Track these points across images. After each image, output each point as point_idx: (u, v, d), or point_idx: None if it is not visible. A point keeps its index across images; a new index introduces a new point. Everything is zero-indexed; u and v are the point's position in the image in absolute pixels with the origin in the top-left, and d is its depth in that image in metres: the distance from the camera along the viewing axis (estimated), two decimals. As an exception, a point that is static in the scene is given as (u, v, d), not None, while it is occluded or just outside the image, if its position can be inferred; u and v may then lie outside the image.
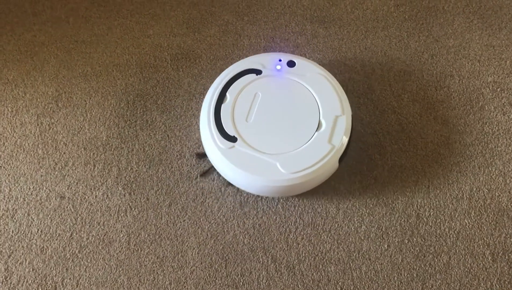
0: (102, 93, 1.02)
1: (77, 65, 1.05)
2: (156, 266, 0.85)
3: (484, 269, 0.85)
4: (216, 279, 0.85)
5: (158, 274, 0.85)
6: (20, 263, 0.86)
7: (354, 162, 0.94)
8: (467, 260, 0.85)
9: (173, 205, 0.90)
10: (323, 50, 1.07)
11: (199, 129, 0.91)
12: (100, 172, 0.93)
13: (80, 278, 0.85)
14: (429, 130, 0.97)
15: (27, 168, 0.94)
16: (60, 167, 0.94)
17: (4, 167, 0.94)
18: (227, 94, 0.89)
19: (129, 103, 1.01)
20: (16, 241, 0.88)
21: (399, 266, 0.85)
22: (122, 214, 0.90)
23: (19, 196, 0.91)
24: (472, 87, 1.02)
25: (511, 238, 0.87)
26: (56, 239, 0.88)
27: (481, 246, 0.87)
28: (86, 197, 0.91)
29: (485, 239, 0.87)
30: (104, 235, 0.88)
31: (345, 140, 0.85)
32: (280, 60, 0.92)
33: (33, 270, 0.85)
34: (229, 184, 0.91)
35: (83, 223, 0.89)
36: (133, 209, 0.90)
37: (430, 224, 0.88)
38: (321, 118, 0.86)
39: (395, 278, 0.84)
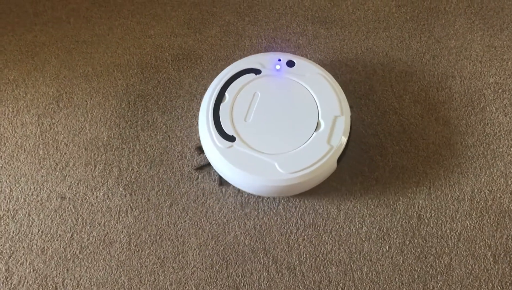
0: (103, 93, 1.02)
1: (78, 66, 1.05)
2: (157, 267, 0.85)
3: (485, 270, 0.85)
4: (217, 280, 0.84)
5: (159, 275, 0.85)
6: (20, 264, 0.86)
7: (355, 163, 0.94)
8: (468, 261, 0.85)
9: (174, 206, 0.90)
10: (324, 51, 1.07)
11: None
12: (101, 172, 0.93)
13: (80, 278, 0.84)
14: (430, 131, 0.97)
15: (28, 168, 0.94)
16: (61, 167, 0.94)
17: (5, 167, 0.94)
18: (226, 93, 0.89)
19: (130, 104, 1.00)
20: (17, 241, 0.88)
21: (400, 267, 0.85)
22: (123, 215, 0.89)
23: (20, 196, 0.91)
24: (474, 88, 1.02)
25: (513, 240, 0.87)
26: (57, 240, 0.88)
27: (483, 248, 0.86)
28: (87, 197, 0.91)
29: (486, 240, 0.87)
30: (105, 236, 0.88)
31: (344, 140, 0.85)
32: (279, 60, 0.92)
33: (33, 270, 0.85)
34: (221, 183, 0.92)
35: (84, 223, 0.89)
36: (134, 209, 0.90)
37: (432, 225, 0.88)
38: (320, 118, 0.86)
39: (396, 279, 0.84)
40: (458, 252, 0.86)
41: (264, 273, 0.85)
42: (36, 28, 1.10)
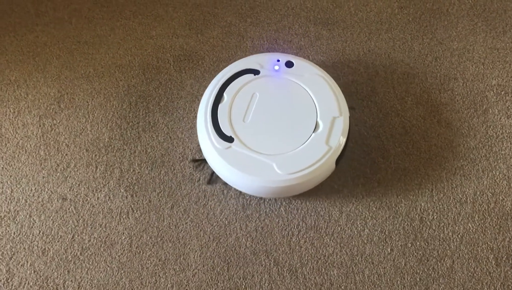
0: (105, 94, 1.02)
1: (80, 66, 1.05)
2: (158, 269, 0.85)
3: (487, 273, 0.84)
4: (218, 282, 0.84)
5: (160, 277, 0.84)
6: (21, 265, 0.86)
7: (357, 165, 0.94)
8: (470, 264, 0.85)
9: (175, 208, 0.90)
10: (326, 52, 1.06)
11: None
12: (102, 173, 0.93)
13: (81, 280, 0.84)
14: (432, 133, 0.97)
15: (29, 169, 0.94)
16: (62, 168, 0.94)
17: (6, 168, 0.94)
18: (224, 94, 0.88)
19: (132, 105, 1.00)
20: (18, 242, 0.87)
21: (402, 270, 0.85)
22: (124, 216, 0.89)
23: (20, 197, 0.91)
24: (476, 90, 1.01)
25: (515, 243, 0.87)
26: (58, 241, 0.87)
27: (485, 250, 0.86)
28: (88, 199, 0.91)
29: (488, 243, 0.87)
30: (106, 237, 0.88)
31: (343, 141, 0.85)
32: (278, 61, 0.92)
33: (34, 272, 0.85)
34: (210, 182, 0.92)
35: (85, 225, 0.89)
36: (135, 211, 0.90)
37: (434, 227, 0.88)
38: (318, 119, 0.86)
39: (398, 282, 0.84)
40: (460, 254, 0.86)
41: (266, 275, 0.85)
42: (37, 29, 1.10)
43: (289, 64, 0.91)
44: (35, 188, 0.92)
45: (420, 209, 0.90)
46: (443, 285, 0.83)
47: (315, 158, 0.82)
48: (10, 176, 0.93)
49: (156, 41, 1.08)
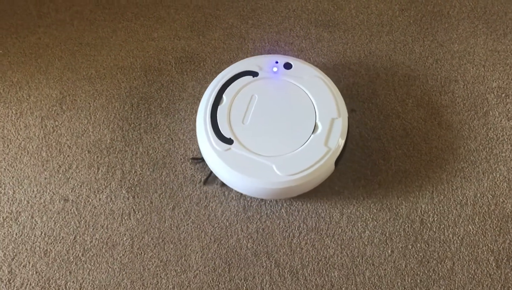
0: (106, 96, 1.02)
1: (82, 68, 1.05)
2: (160, 270, 0.85)
3: (488, 275, 0.85)
4: (219, 283, 0.84)
5: (162, 278, 0.85)
6: (23, 266, 0.86)
7: (358, 167, 0.94)
8: (471, 266, 0.85)
9: (177, 209, 0.90)
10: (327, 54, 1.07)
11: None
12: (104, 175, 0.93)
13: (83, 281, 0.85)
14: (433, 135, 0.97)
15: (31, 170, 0.94)
16: (64, 169, 0.94)
17: (8, 169, 0.94)
18: (223, 96, 0.89)
19: (133, 106, 1.01)
20: (20, 243, 0.88)
21: (402, 271, 0.85)
22: (125, 217, 0.90)
23: (23, 198, 0.92)
24: (477, 92, 1.02)
25: (515, 245, 0.87)
26: (60, 242, 0.88)
27: (485, 252, 0.86)
28: (90, 200, 0.91)
29: (489, 245, 0.87)
30: (108, 238, 0.88)
31: (342, 142, 0.85)
32: (276, 62, 0.92)
33: (36, 273, 0.85)
34: (206, 182, 0.93)
35: (87, 226, 0.89)
36: (136, 212, 0.90)
37: (434, 229, 0.88)
38: (317, 120, 0.86)
39: (399, 283, 0.84)
40: (461, 256, 0.86)
41: (267, 277, 0.85)
42: (39, 30, 1.11)
43: (287, 66, 0.92)
44: (37, 189, 0.92)
45: (421, 211, 0.90)
46: (443, 287, 0.84)
47: (314, 159, 0.83)
48: (12, 177, 0.93)
49: (158, 43, 1.09)
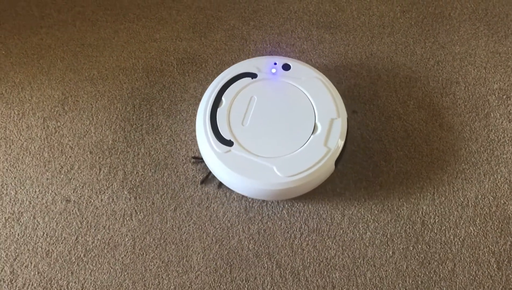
0: (108, 96, 1.02)
1: (84, 69, 1.06)
2: (161, 271, 0.86)
3: (489, 277, 0.85)
4: (220, 284, 0.85)
5: (163, 279, 0.85)
6: (25, 266, 0.86)
7: (359, 168, 0.94)
8: (472, 267, 0.85)
9: (178, 210, 0.91)
10: (329, 56, 1.07)
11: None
12: (105, 175, 0.94)
13: (85, 282, 0.85)
14: (434, 136, 0.97)
15: (33, 171, 0.94)
16: (66, 170, 0.94)
17: (10, 170, 0.94)
18: (222, 98, 0.89)
19: (135, 107, 1.01)
20: (22, 244, 0.88)
21: (404, 273, 0.85)
22: (127, 218, 0.90)
23: (25, 199, 0.92)
24: (478, 94, 1.02)
25: (517, 246, 0.87)
26: (62, 243, 0.88)
27: (486, 254, 0.86)
28: (92, 200, 0.91)
29: (490, 246, 0.87)
30: (110, 239, 0.88)
31: (341, 143, 0.85)
32: (275, 64, 0.92)
33: (38, 273, 0.86)
34: (203, 181, 0.93)
35: (89, 226, 0.89)
36: (138, 213, 0.90)
37: (435, 231, 0.88)
38: (316, 121, 0.86)
39: (400, 285, 0.84)
40: (462, 258, 0.86)
41: (268, 278, 0.85)
42: (42, 31, 1.11)
43: (286, 67, 0.92)
44: (39, 190, 0.92)
45: (422, 213, 0.90)
46: (444, 288, 0.84)
47: (314, 160, 0.83)
48: (14, 178, 0.94)
49: (160, 44, 1.09)
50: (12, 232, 0.89)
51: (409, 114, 1.00)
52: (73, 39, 1.10)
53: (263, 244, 0.88)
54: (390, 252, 0.87)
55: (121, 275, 0.85)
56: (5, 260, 0.86)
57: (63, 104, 1.01)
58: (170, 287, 0.84)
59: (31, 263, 0.86)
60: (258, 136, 0.85)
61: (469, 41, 1.09)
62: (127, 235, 0.88)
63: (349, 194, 0.92)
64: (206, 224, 0.89)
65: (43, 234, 0.89)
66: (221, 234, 0.89)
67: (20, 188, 0.93)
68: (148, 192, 0.92)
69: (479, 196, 0.91)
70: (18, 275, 0.85)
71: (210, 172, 0.91)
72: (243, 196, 0.91)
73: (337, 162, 0.86)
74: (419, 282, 0.84)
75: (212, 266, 0.86)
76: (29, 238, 0.88)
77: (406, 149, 0.96)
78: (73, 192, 0.92)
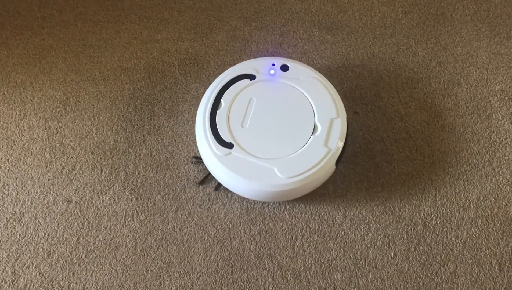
0: (110, 97, 1.02)
1: (85, 69, 1.06)
2: (163, 272, 0.86)
3: (491, 278, 0.85)
4: (222, 285, 0.85)
5: (165, 280, 0.85)
6: (27, 267, 0.86)
7: (361, 169, 0.94)
8: (473, 269, 0.85)
9: (180, 211, 0.91)
10: (330, 57, 1.07)
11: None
12: (107, 176, 0.94)
13: (86, 282, 0.85)
14: (436, 138, 0.97)
15: (35, 171, 0.94)
16: (68, 171, 0.94)
17: (11, 170, 0.94)
18: (221, 100, 0.89)
19: (137, 108, 1.01)
20: (23, 244, 0.88)
21: (405, 274, 0.85)
22: (129, 219, 0.90)
23: (26, 199, 0.92)
24: (480, 95, 1.02)
25: (518, 248, 0.87)
26: (63, 243, 0.88)
27: (488, 256, 0.86)
28: (93, 201, 0.91)
29: (492, 248, 0.87)
30: (111, 240, 0.88)
31: (341, 142, 0.85)
32: (273, 65, 0.92)
33: (39, 274, 0.86)
34: (202, 182, 0.93)
35: (90, 227, 0.89)
36: (140, 214, 0.90)
37: (437, 232, 0.88)
38: (316, 121, 0.86)
39: (401, 286, 0.84)
40: (464, 259, 0.86)
41: (269, 279, 0.85)
42: (43, 32, 1.11)
43: (284, 68, 0.92)
44: (41, 191, 0.92)
45: (424, 214, 0.90)
46: (446, 290, 0.84)
47: (315, 160, 0.83)
48: (16, 178, 0.94)
49: (162, 45, 1.09)
50: (14, 233, 0.89)
51: (410, 115, 0.99)
52: (75, 40, 1.10)
53: (264, 245, 0.88)
54: (392, 254, 0.87)
55: (122, 276, 0.85)
56: (6, 260, 0.87)
57: (65, 105, 1.01)
58: (171, 288, 0.84)
59: (33, 263, 0.86)
60: (258, 137, 0.85)
61: (471, 42, 1.09)
62: (128, 236, 0.88)
63: (350, 195, 0.92)
64: (208, 225, 0.89)
65: (44, 235, 0.89)
66: (222, 235, 0.89)
67: (22, 188, 0.93)
68: (150, 193, 0.92)
69: (481, 198, 0.91)
70: (20, 276, 0.85)
71: (209, 173, 0.91)
72: (244, 197, 0.91)
73: (337, 162, 0.85)
74: (421, 284, 0.84)
75: (213, 267, 0.86)
76: (31, 238, 0.88)
77: (407, 150, 0.96)
78: (75, 193, 0.92)
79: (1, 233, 0.89)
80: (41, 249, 0.88)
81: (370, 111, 1.00)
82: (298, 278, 0.85)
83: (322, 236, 0.88)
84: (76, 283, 0.85)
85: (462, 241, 0.88)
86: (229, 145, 0.84)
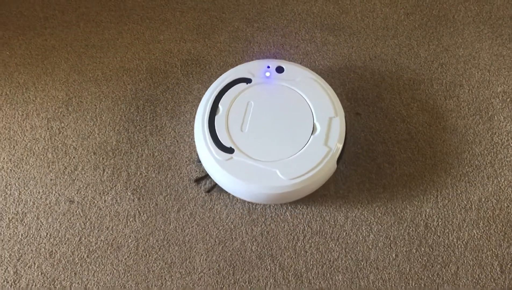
0: (112, 98, 1.02)
1: (88, 70, 1.06)
2: (164, 272, 0.86)
3: (492, 280, 0.85)
4: (223, 286, 0.85)
5: (166, 280, 0.85)
6: (29, 267, 0.86)
7: (363, 171, 0.94)
8: (475, 270, 0.85)
9: (182, 211, 0.91)
10: (332, 58, 1.07)
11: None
12: (109, 176, 0.94)
13: (88, 282, 0.85)
14: (438, 139, 0.97)
15: (37, 172, 0.94)
16: (70, 171, 0.94)
17: (14, 170, 0.95)
18: (219, 105, 0.88)
19: (139, 108, 1.01)
20: (25, 244, 0.88)
21: (406, 275, 0.85)
22: (130, 219, 0.90)
23: (28, 199, 0.92)
24: (482, 97, 1.02)
25: (520, 250, 0.87)
26: (65, 243, 0.88)
27: (490, 257, 0.86)
28: (95, 201, 0.92)
29: (493, 250, 0.87)
30: (113, 240, 0.88)
31: (341, 141, 0.85)
32: (268, 67, 0.92)
33: (41, 274, 0.86)
34: (199, 181, 0.93)
35: (92, 227, 0.89)
36: (141, 214, 0.90)
37: (439, 234, 0.88)
38: (315, 121, 0.86)
39: (403, 287, 0.84)
40: (465, 261, 0.86)
41: (271, 280, 0.85)
42: (46, 32, 1.11)
43: (279, 70, 0.92)
44: (43, 191, 0.93)
45: (425, 215, 0.90)
46: (447, 291, 0.84)
47: (316, 160, 0.83)
48: (18, 178, 0.94)
49: (164, 45, 1.09)
50: (16, 233, 0.89)
51: (412, 116, 1.00)
52: (77, 40, 1.10)
53: (266, 246, 0.88)
54: (393, 255, 0.87)
55: (124, 276, 0.85)
56: (8, 260, 0.87)
57: (67, 105, 1.01)
58: (173, 288, 0.84)
59: (35, 263, 0.87)
60: (258, 140, 0.85)
61: (473, 43, 1.09)
62: (130, 236, 0.89)
63: (352, 197, 0.92)
64: (209, 225, 0.89)
65: (46, 235, 0.89)
66: (224, 236, 0.89)
67: (24, 188, 0.93)
68: (152, 193, 0.92)
69: (483, 199, 0.91)
70: (22, 276, 0.86)
71: (215, 184, 0.91)
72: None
73: (339, 161, 0.86)
74: (422, 285, 0.84)
75: (215, 268, 0.86)
76: (33, 238, 0.89)
77: (409, 151, 0.96)
78: (77, 193, 0.92)
79: (4, 233, 0.89)
80: (43, 249, 0.88)
81: (372, 112, 1.00)
82: (299, 279, 0.85)
83: (324, 237, 0.88)
84: (78, 283, 0.85)
85: (464, 242, 0.88)
86: (229, 150, 0.84)
